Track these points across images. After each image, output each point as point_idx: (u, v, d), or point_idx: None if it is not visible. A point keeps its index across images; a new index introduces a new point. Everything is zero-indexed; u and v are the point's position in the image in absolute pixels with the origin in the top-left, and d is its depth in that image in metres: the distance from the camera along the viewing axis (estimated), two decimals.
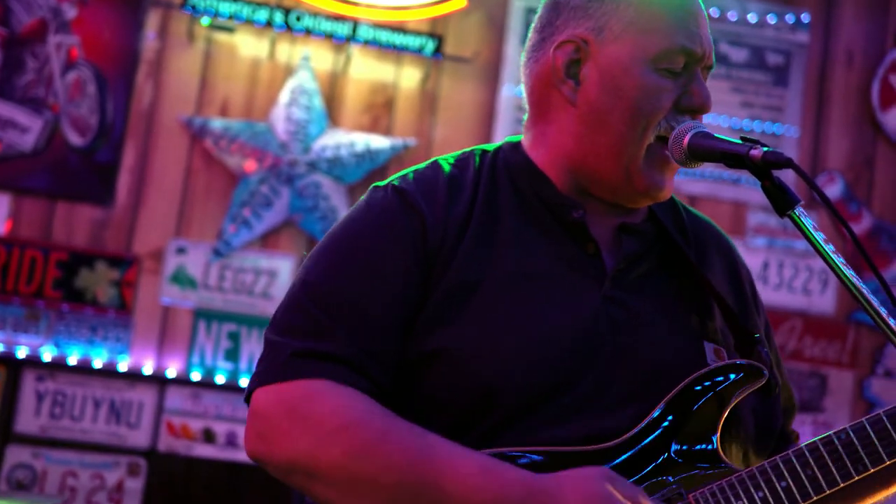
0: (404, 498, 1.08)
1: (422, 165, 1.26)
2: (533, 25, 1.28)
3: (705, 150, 1.17)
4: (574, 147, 1.23)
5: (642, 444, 1.15)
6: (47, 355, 3.04)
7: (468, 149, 1.29)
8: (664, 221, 1.29)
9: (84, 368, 3.04)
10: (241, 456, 3.02)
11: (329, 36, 3.20)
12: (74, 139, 3.12)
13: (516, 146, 1.28)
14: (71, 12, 3.15)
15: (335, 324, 1.14)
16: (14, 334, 3.04)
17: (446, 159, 1.27)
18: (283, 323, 1.17)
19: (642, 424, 1.15)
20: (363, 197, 1.24)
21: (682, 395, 1.17)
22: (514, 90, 3.27)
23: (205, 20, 3.17)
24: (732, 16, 3.38)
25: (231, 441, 3.02)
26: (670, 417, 1.16)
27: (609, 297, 1.20)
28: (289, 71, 3.22)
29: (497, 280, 1.17)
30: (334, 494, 1.10)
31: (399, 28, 3.23)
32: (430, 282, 1.17)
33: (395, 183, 1.22)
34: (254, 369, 1.17)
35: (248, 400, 1.15)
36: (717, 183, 3.30)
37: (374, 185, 1.24)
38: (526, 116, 1.29)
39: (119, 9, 3.17)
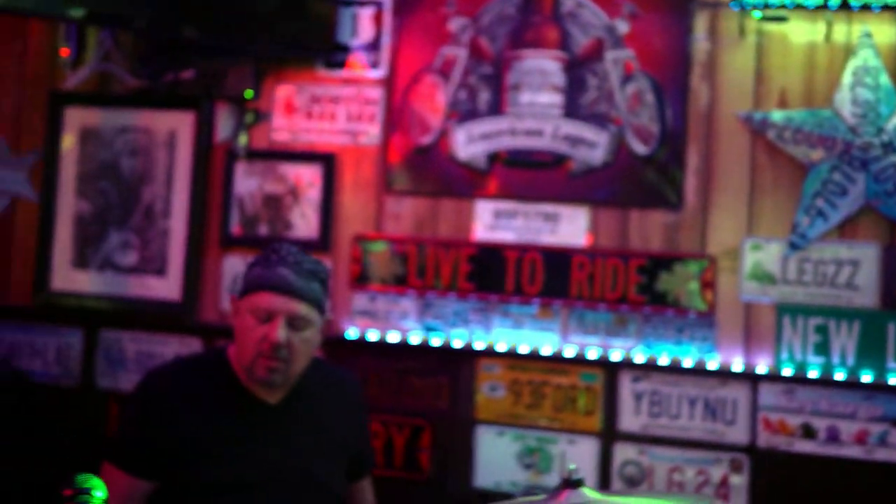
0: None
1: None
2: None
3: None
4: None
5: None
6: (639, 357, 3.31)
7: None
8: None
9: (675, 368, 3.27)
10: (845, 451, 3.11)
11: (889, 8, 3.14)
12: (638, 148, 3.36)
13: None
14: (623, 27, 3.38)
15: None
16: (607, 338, 3.35)
17: None
18: None
19: None
20: None
21: None
22: None
23: (756, 13, 3.25)
24: None
25: (832, 436, 3.11)
26: None
27: None
28: (848, 51, 3.22)
29: None
30: None
31: None
32: None
33: None
34: None
35: None
36: None
37: None
38: None
39: (668, 17, 3.35)
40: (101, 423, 3.84)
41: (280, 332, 2.38)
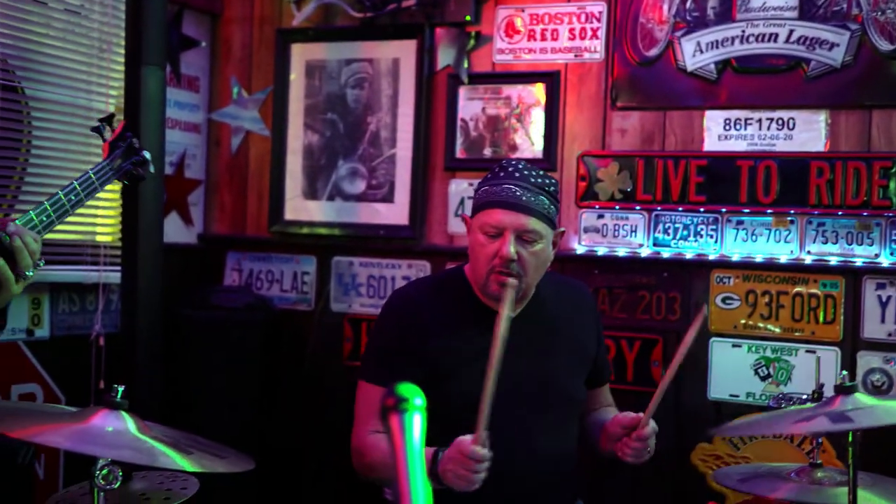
0: None
1: None
2: None
3: None
4: None
5: None
6: (884, 262, 3.22)
7: None
8: None
9: None
10: None
11: None
12: (883, 45, 3.26)
13: None
14: None
15: None
16: (848, 246, 3.28)
17: None
18: None
19: None
20: None
21: None
22: None
23: None
24: None
25: None
26: None
27: None
28: None
29: None
30: None
31: None
32: None
33: None
34: None
35: None
36: None
37: None
38: None
39: None
40: (336, 344, 4.04)
41: (510, 247, 2.44)
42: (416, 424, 1.13)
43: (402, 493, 1.08)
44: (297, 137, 4.19)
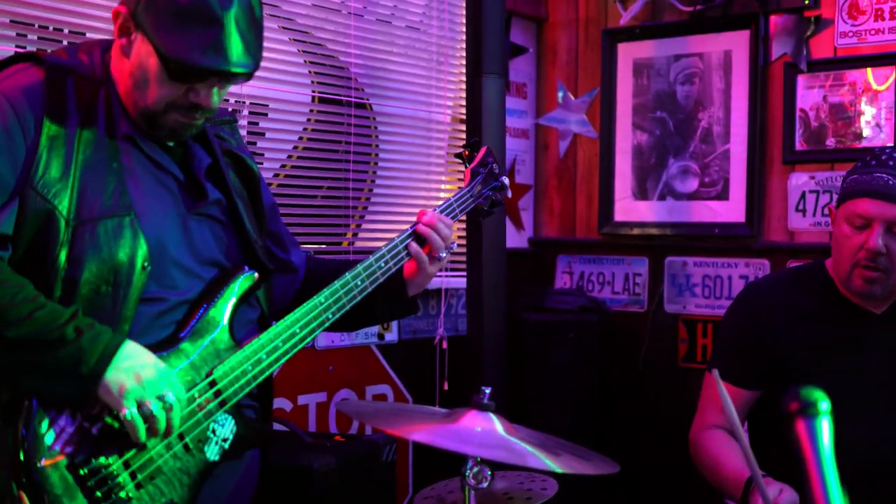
0: None
1: None
2: None
3: None
4: None
5: None
6: None
7: None
8: None
9: None
10: None
11: None
12: None
13: None
14: None
15: None
16: None
17: None
18: None
19: None
20: None
21: None
22: None
23: None
24: None
25: None
26: None
27: None
28: None
29: None
30: None
31: None
32: None
33: None
34: None
35: None
36: None
37: None
38: None
39: None
40: (671, 346, 4.00)
41: (878, 240, 2.28)
42: (825, 429, 1.10)
43: (818, 502, 1.06)
44: (625, 138, 4.18)
